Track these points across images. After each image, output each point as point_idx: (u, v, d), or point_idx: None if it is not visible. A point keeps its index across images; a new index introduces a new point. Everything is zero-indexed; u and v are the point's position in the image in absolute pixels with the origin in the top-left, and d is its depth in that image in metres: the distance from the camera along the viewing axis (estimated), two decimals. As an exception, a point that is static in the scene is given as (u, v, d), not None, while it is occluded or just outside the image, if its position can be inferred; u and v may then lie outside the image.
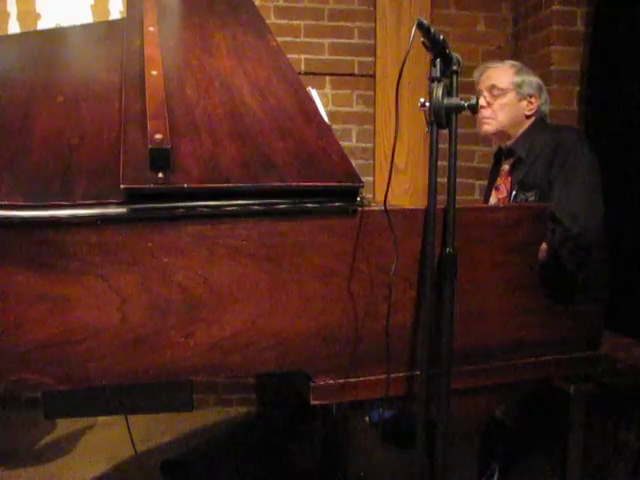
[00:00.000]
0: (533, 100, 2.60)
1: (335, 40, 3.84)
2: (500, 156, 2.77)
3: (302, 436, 3.10)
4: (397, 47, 3.80)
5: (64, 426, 3.57)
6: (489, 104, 2.62)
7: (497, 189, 2.69)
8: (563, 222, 2.28)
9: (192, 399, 1.74)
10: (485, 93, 2.63)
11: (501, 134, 2.65)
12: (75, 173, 1.59)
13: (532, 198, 2.43)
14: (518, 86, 2.59)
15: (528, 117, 2.62)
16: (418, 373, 1.72)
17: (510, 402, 2.32)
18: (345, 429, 2.85)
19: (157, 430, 3.52)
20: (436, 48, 1.66)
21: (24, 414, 3.71)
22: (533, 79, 2.62)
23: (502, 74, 2.62)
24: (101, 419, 3.58)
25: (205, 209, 1.52)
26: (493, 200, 2.69)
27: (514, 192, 2.54)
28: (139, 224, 1.50)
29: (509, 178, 2.63)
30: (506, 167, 2.67)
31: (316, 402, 1.67)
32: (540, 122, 2.63)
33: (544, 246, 2.18)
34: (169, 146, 1.52)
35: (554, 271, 2.19)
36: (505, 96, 2.59)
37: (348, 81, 3.86)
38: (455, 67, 1.71)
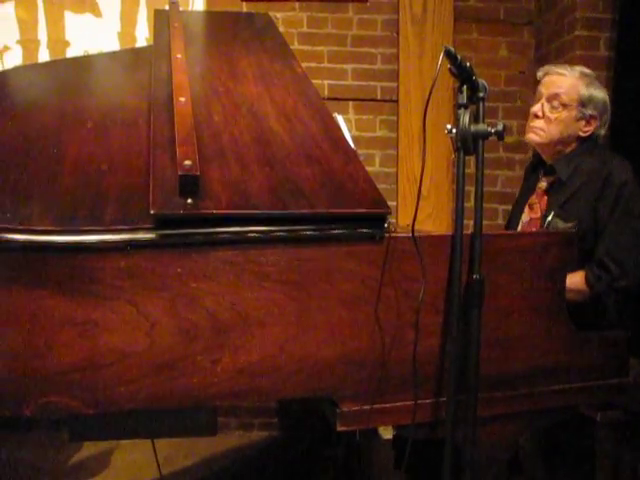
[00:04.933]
0: (592, 122, 2.38)
1: (358, 66, 3.87)
2: (537, 166, 2.59)
3: (324, 461, 3.08)
4: (420, 72, 3.81)
5: (90, 446, 3.57)
6: (544, 115, 2.40)
7: (531, 207, 2.52)
8: (612, 271, 2.19)
9: (216, 424, 1.74)
10: (544, 101, 2.40)
11: (547, 148, 2.45)
12: (105, 198, 1.60)
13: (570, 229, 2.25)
14: (582, 104, 2.35)
15: (580, 138, 2.40)
16: (445, 399, 1.71)
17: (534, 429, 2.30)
18: (368, 454, 2.84)
19: (179, 453, 3.52)
20: (463, 75, 1.67)
21: (48, 434, 3.72)
22: (601, 95, 2.39)
23: (569, 85, 2.38)
24: (125, 440, 3.58)
25: (233, 235, 1.53)
26: (526, 218, 2.54)
27: (550, 217, 2.37)
28: (168, 249, 1.52)
29: (545, 198, 2.46)
30: (543, 185, 2.49)
31: (342, 428, 1.67)
32: (591, 145, 2.41)
33: (583, 287, 2.17)
34: (198, 173, 1.54)
35: (593, 313, 2.15)
36: (565, 112, 2.37)
37: (371, 106, 3.88)
38: (482, 94, 1.72)
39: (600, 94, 2.39)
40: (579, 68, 2.45)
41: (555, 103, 2.38)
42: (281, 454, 3.53)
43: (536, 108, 2.41)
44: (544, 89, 2.42)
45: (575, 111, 2.36)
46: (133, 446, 3.45)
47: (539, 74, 2.49)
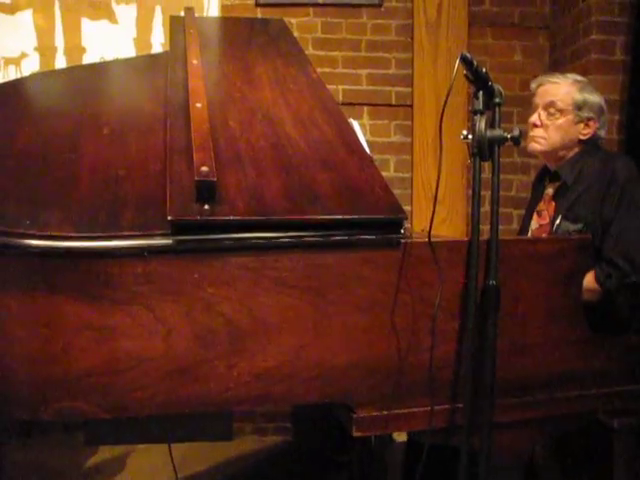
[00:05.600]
0: (591, 124, 2.40)
1: (372, 71, 3.87)
2: (544, 173, 2.63)
3: (339, 466, 3.07)
4: (434, 77, 3.81)
5: (105, 449, 3.58)
6: (543, 123, 2.44)
7: (539, 214, 2.55)
8: (621, 267, 2.18)
9: (232, 429, 1.75)
10: (541, 110, 2.45)
11: (549, 155, 2.48)
12: (122, 204, 1.62)
13: (577, 231, 2.30)
14: (578, 107, 2.39)
15: (581, 141, 2.43)
16: (461, 405, 1.71)
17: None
18: (382, 460, 2.83)
19: (194, 457, 3.51)
20: (479, 81, 1.67)
21: (63, 436, 3.73)
22: (595, 99, 2.42)
23: (563, 92, 2.42)
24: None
25: (250, 241, 1.54)
26: (534, 225, 2.57)
27: (558, 221, 2.40)
28: (185, 255, 1.52)
29: (552, 203, 2.48)
30: (550, 191, 2.52)
31: (358, 434, 1.67)
32: (592, 147, 2.44)
33: (594, 286, 2.16)
34: (215, 179, 1.54)
35: (605, 312, 2.14)
36: (562, 117, 2.41)
37: (385, 111, 3.88)
38: (497, 99, 1.72)
39: (594, 97, 2.43)
40: (571, 75, 2.50)
41: (552, 110, 2.42)
42: (295, 459, 3.52)
43: (534, 118, 2.46)
44: (539, 99, 2.47)
45: (572, 115, 2.40)
46: (149, 450, 3.47)
47: (533, 86, 2.54)
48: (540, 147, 2.45)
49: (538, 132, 2.45)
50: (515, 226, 3.80)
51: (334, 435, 3.04)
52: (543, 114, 2.44)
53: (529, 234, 2.55)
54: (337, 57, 3.85)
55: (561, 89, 2.43)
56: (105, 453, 3.57)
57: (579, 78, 2.50)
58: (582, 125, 2.41)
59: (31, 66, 3.61)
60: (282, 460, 3.67)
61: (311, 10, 3.83)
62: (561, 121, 2.41)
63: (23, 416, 1.56)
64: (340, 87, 3.83)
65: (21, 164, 1.77)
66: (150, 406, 1.56)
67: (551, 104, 2.42)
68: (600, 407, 1.98)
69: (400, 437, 2.76)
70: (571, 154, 2.44)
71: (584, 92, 2.42)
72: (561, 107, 2.40)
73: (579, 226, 2.29)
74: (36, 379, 1.52)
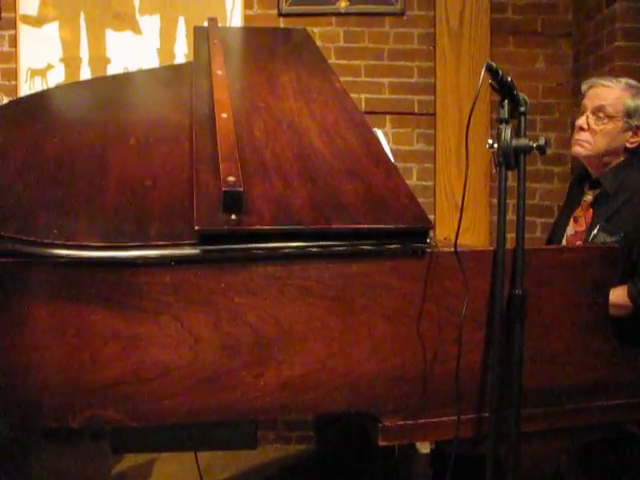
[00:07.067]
0: (639, 133, 2.33)
1: (395, 79, 3.86)
2: (583, 178, 2.54)
3: (362, 475, 3.07)
4: (457, 85, 3.80)
5: (131, 456, 3.60)
6: (590, 127, 2.35)
7: (576, 221, 2.47)
8: None
9: (256, 437, 1.75)
10: (589, 114, 2.36)
11: (593, 160, 2.40)
12: (149, 214, 1.63)
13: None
14: (629, 115, 2.30)
15: (627, 149, 2.35)
16: (487, 415, 1.70)
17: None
18: (407, 469, 2.82)
19: (217, 465, 3.52)
20: (504, 90, 1.67)
21: (90, 444, 3.75)
22: None
23: (614, 97, 2.33)
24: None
25: (277, 251, 1.55)
26: (570, 231, 2.49)
27: (595, 230, 2.32)
28: (212, 265, 1.53)
29: (590, 211, 2.41)
30: (589, 198, 2.44)
31: (384, 443, 1.67)
32: (638, 156, 2.37)
33: (625, 301, 2.11)
34: (242, 189, 1.55)
35: (634, 325, 2.11)
36: (610, 123, 2.32)
37: (408, 120, 3.87)
38: (523, 108, 1.72)
39: None
40: (624, 80, 2.40)
41: (600, 115, 2.33)
42: (319, 468, 3.52)
43: (581, 121, 2.38)
44: (589, 101, 2.39)
45: (621, 122, 2.32)
46: (173, 457, 3.48)
47: (583, 87, 2.45)
48: (584, 152, 2.38)
49: (584, 136, 2.37)
50: (539, 234, 3.77)
51: (357, 444, 3.04)
52: (591, 118, 2.36)
53: (564, 240, 2.50)
54: (359, 66, 3.85)
55: (612, 93, 2.35)
56: (130, 460, 3.59)
57: (633, 83, 2.40)
58: (630, 133, 2.34)
59: (57, 77, 3.66)
60: (305, 469, 3.67)
61: (333, 19, 3.84)
62: (609, 127, 2.33)
63: (52, 423, 1.57)
64: (363, 96, 3.83)
65: (49, 174, 1.79)
66: (177, 415, 1.57)
67: (600, 108, 2.34)
68: (628, 417, 1.96)
69: (424, 448, 2.75)
70: (615, 162, 2.37)
71: (637, 99, 2.33)
72: (610, 113, 2.32)
73: (616, 238, 2.22)
74: (65, 387, 1.53)
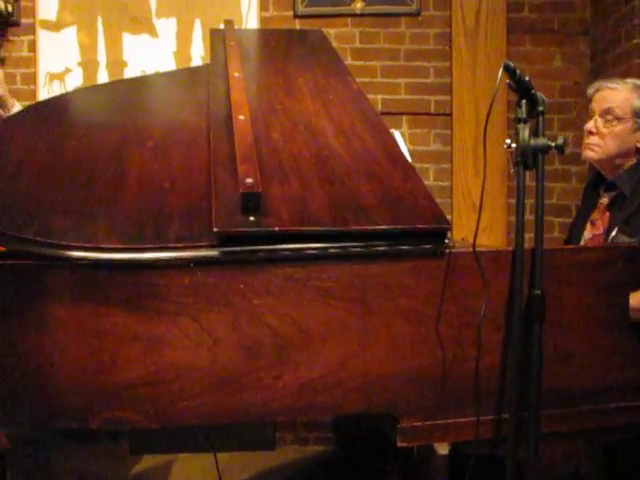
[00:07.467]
0: None
1: (411, 80, 3.86)
2: (598, 181, 2.51)
3: (381, 476, 3.06)
4: (473, 85, 3.79)
5: (149, 457, 3.62)
6: (599, 131, 2.34)
7: (593, 224, 2.46)
8: None
9: (274, 438, 1.75)
10: (597, 117, 2.35)
11: (605, 163, 2.39)
12: (168, 216, 1.64)
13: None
14: (637, 115, 2.30)
15: (639, 150, 2.33)
16: (506, 416, 1.69)
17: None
18: (425, 470, 2.81)
19: (235, 467, 3.53)
20: (522, 89, 1.67)
21: (107, 445, 3.77)
22: None
23: (621, 98, 2.32)
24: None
25: (295, 252, 1.55)
26: (588, 235, 2.47)
27: (614, 233, 2.30)
28: (231, 266, 1.54)
29: (607, 213, 2.40)
30: (605, 201, 2.42)
31: (403, 444, 1.66)
32: None
33: None
34: (260, 190, 1.56)
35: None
36: (620, 125, 2.31)
37: (425, 120, 3.87)
38: (541, 107, 1.70)
39: None
40: (631, 80, 2.39)
41: (609, 117, 2.32)
42: (337, 469, 3.52)
43: (589, 125, 2.37)
44: (596, 105, 2.38)
45: (630, 123, 2.31)
46: (192, 458, 3.49)
47: (589, 91, 2.44)
48: (595, 155, 2.37)
49: (593, 140, 2.36)
50: (557, 234, 3.76)
51: (375, 445, 3.03)
52: (600, 121, 2.35)
53: (582, 243, 2.47)
54: (375, 67, 3.86)
55: (619, 95, 2.34)
56: (149, 461, 3.61)
57: (639, 83, 2.38)
58: None
59: (75, 81, 3.70)
60: (323, 470, 3.67)
61: (349, 20, 3.85)
62: (618, 129, 2.31)
63: (72, 424, 1.58)
64: (379, 96, 3.84)
65: (68, 177, 1.80)
66: (196, 416, 1.58)
67: (608, 111, 2.33)
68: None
69: (442, 449, 2.74)
70: (629, 163, 2.35)
71: None
72: (619, 114, 2.31)
73: (636, 240, 2.16)
74: (85, 388, 1.54)
